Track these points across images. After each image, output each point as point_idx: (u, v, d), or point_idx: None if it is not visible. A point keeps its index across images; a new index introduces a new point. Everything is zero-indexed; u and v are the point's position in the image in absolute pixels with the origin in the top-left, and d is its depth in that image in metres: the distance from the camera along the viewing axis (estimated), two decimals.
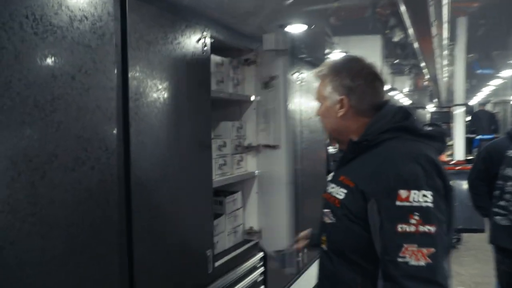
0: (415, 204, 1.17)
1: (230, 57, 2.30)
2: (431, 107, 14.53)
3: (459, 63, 6.64)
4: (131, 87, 1.46)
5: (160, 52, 1.61)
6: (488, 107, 12.60)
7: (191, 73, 1.78)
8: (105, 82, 1.36)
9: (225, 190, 2.40)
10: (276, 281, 2.61)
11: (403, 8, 2.08)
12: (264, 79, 2.34)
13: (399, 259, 1.14)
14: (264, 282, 2.46)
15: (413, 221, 1.16)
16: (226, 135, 2.28)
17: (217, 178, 2.11)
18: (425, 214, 1.17)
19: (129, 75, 1.46)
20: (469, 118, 9.31)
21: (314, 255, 3.29)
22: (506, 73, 4.55)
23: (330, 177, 1.49)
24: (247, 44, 2.34)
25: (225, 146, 2.21)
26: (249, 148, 2.40)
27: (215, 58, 2.12)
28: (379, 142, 1.31)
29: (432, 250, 1.14)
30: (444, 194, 1.23)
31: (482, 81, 10.04)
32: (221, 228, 2.22)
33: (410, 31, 2.33)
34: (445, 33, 2.56)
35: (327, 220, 1.36)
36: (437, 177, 1.22)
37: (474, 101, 13.29)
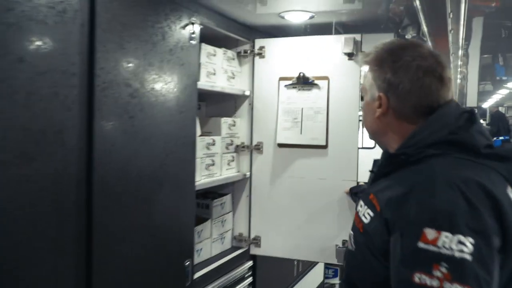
0: (444, 251, 0.86)
1: (224, 48, 2.10)
2: None
3: (473, 63, 6.41)
4: (98, 74, 1.27)
5: (137, 36, 1.42)
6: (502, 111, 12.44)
7: (174, 63, 1.59)
8: (65, 66, 1.17)
9: (215, 192, 2.22)
10: None
11: (418, 3, 1.86)
12: None
13: None
14: None
15: (437, 273, 0.85)
16: (216, 132, 2.09)
17: (203, 179, 1.92)
18: (457, 269, 0.85)
19: (96, 60, 1.27)
20: (482, 120, 9.16)
21: (309, 264, 3.11)
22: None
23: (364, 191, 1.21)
24: (245, 34, 2.15)
25: (214, 145, 2.02)
26: (242, 147, 2.21)
27: (206, 48, 1.93)
28: (421, 158, 1.00)
29: None
30: (500, 244, 0.89)
31: (497, 84, 9.83)
32: (206, 234, 2.03)
33: (425, 28, 2.11)
34: (461, 32, 2.34)
35: (349, 246, 1.12)
36: (489, 217, 0.89)
37: (487, 104, 13.04)
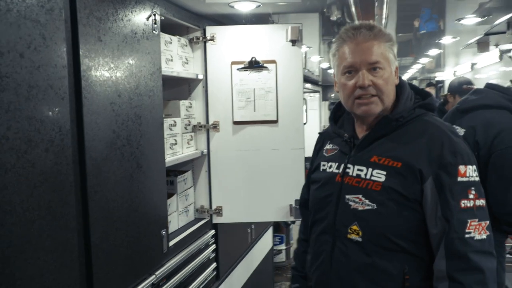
0: (471, 179, 1.18)
1: (178, 35, 2.26)
2: None
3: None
4: (82, 65, 1.40)
5: (111, 29, 1.55)
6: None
7: (142, 51, 1.74)
8: (56, 60, 1.30)
9: (175, 170, 2.40)
10: (227, 257, 2.67)
11: None
12: None
13: (466, 235, 1.14)
14: (216, 258, 2.50)
15: (471, 196, 1.17)
16: (176, 114, 2.26)
17: (169, 157, 2.10)
18: (479, 188, 1.20)
19: (80, 52, 1.40)
20: None
21: (262, 230, 3.40)
22: (432, 52, 4.89)
23: (331, 159, 1.37)
24: (196, 22, 2.31)
25: (176, 125, 2.19)
26: (199, 127, 2.40)
27: (163, 36, 2.08)
28: (411, 119, 1.27)
29: (488, 222, 1.17)
30: None
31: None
32: (173, 207, 2.22)
33: (353, 10, 2.41)
34: (384, 13, 2.68)
35: (359, 207, 1.24)
36: None
37: (405, 77, 14.12)
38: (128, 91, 1.64)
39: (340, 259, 1.28)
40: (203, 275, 2.31)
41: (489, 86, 2.32)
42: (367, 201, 1.23)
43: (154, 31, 1.83)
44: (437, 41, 3.99)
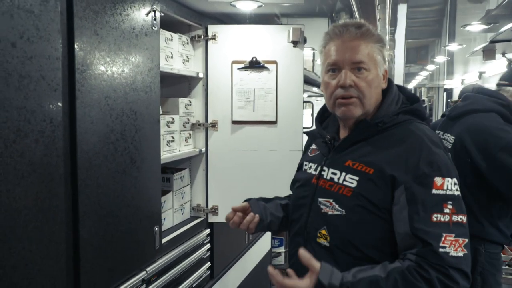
0: (449, 192, 1.10)
1: (179, 33, 2.26)
2: None
3: (399, 47, 6.94)
4: (77, 58, 1.40)
5: (108, 23, 1.55)
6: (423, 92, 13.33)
7: (140, 47, 1.74)
8: (50, 51, 1.30)
9: (172, 167, 2.39)
10: (221, 258, 2.66)
11: None
12: None
13: (441, 249, 1.07)
14: (210, 258, 2.49)
15: (447, 210, 1.09)
16: (174, 112, 2.26)
17: (165, 154, 2.10)
18: (458, 203, 1.11)
19: (76, 45, 1.40)
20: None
21: (258, 234, 3.38)
22: (439, 58, 4.83)
23: (312, 159, 1.33)
24: (197, 21, 2.31)
25: (174, 123, 2.19)
26: (198, 125, 2.39)
27: (164, 33, 2.08)
28: (393, 125, 1.20)
29: (467, 241, 1.09)
30: None
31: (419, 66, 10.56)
32: (168, 205, 2.21)
33: (356, 14, 2.40)
34: (387, 19, 2.67)
35: (329, 211, 1.21)
36: None
37: (411, 85, 14.07)
38: (124, 86, 1.64)
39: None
40: (196, 273, 2.30)
41: (477, 90, 2.28)
42: (337, 206, 1.19)
43: (153, 27, 1.83)
44: (443, 47, 3.96)
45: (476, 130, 2.09)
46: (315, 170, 1.31)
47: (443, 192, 1.10)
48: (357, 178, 1.17)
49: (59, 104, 1.33)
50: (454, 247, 1.07)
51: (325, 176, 1.25)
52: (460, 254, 1.07)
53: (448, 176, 1.12)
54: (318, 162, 1.32)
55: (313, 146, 1.42)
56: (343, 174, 1.20)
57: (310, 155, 1.40)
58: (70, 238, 1.41)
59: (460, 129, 2.17)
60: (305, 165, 1.39)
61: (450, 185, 1.11)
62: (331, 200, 1.21)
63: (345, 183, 1.19)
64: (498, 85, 2.28)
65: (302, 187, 1.35)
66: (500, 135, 2.00)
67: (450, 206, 1.10)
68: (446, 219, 1.09)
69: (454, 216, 1.10)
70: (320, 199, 1.24)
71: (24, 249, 1.21)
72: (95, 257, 1.51)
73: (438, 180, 1.10)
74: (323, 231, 1.22)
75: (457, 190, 1.13)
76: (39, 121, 1.26)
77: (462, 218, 1.10)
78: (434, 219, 1.09)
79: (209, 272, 2.46)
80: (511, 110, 2.08)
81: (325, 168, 1.27)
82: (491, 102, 2.14)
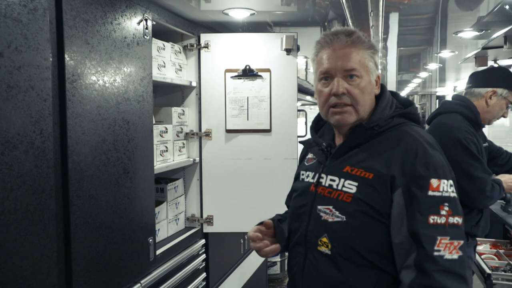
0: (445, 194, 1.11)
1: (171, 42, 2.25)
2: None
3: (392, 55, 6.96)
4: (67, 68, 1.38)
5: (99, 32, 1.54)
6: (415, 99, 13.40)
7: (132, 56, 1.72)
8: (39, 61, 1.28)
9: (166, 177, 2.36)
10: (217, 268, 2.62)
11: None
12: None
13: (435, 253, 1.06)
14: (206, 269, 2.46)
15: (443, 212, 1.09)
16: (168, 121, 2.24)
17: (159, 164, 2.07)
18: (454, 205, 1.11)
19: (66, 54, 1.38)
20: None
21: None
22: (431, 66, 4.87)
23: (309, 168, 1.33)
24: (190, 29, 2.30)
25: (167, 132, 2.17)
26: (191, 135, 2.37)
27: (156, 42, 2.07)
28: (388, 128, 1.21)
29: (462, 242, 1.09)
30: None
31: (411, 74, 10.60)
32: (162, 215, 2.18)
33: (349, 22, 2.39)
34: (380, 27, 2.67)
35: (329, 218, 1.19)
36: None
37: (404, 93, 14.14)
38: (116, 96, 1.62)
39: (311, 272, 1.23)
40: (192, 285, 2.26)
41: (452, 97, 2.47)
42: (337, 213, 1.18)
43: (145, 36, 1.82)
44: (435, 54, 3.98)
45: (439, 128, 2.27)
46: (313, 178, 1.30)
47: (439, 193, 1.11)
48: (356, 183, 1.17)
49: (49, 114, 1.31)
50: (448, 250, 1.07)
51: (323, 183, 1.24)
52: (455, 256, 1.08)
53: (444, 178, 1.12)
54: (316, 170, 1.32)
55: (309, 156, 1.41)
56: (342, 180, 1.19)
57: (306, 164, 1.39)
58: (61, 251, 1.38)
59: (429, 130, 2.36)
60: (302, 174, 1.38)
61: (446, 187, 1.12)
62: (330, 207, 1.19)
63: (344, 189, 1.18)
64: (465, 89, 2.44)
65: (300, 196, 1.33)
66: (455, 132, 2.16)
67: (446, 208, 1.10)
68: (443, 221, 1.09)
69: (450, 218, 1.10)
70: (319, 207, 1.23)
71: (14, 264, 1.18)
72: (88, 270, 1.48)
73: (434, 181, 1.11)
74: (324, 239, 1.20)
75: (453, 191, 1.13)
76: (28, 132, 1.23)
77: (458, 220, 1.11)
78: (431, 221, 1.09)
79: (204, 283, 2.42)
80: (470, 110, 2.24)
81: (323, 175, 1.26)
82: (454, 104, 2.33)
